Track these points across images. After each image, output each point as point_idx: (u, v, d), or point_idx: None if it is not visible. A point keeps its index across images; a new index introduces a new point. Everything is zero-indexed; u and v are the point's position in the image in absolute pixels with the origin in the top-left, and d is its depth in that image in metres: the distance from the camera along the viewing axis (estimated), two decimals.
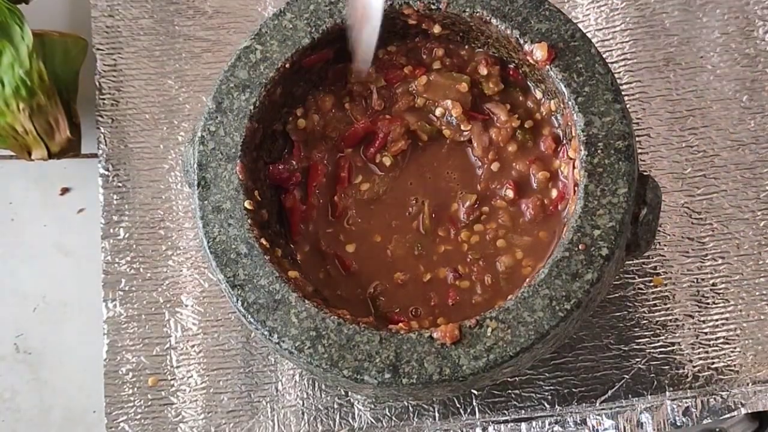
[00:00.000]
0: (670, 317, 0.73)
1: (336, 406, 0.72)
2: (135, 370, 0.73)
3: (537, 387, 0.71)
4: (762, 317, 0.72)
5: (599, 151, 0.61)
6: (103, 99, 0.77)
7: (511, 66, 0.67)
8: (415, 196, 0.66)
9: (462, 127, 0.66)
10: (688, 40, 0.77)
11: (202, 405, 0.72)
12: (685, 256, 0.74)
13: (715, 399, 0.71)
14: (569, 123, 0.63)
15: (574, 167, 0.63)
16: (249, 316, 0.60)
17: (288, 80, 0.65)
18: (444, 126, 0.66)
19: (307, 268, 0.65)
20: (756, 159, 0.75)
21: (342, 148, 0.67)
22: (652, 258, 0.73)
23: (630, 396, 0.71)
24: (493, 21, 0.64)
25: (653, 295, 0.73)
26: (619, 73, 0.76)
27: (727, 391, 0.71)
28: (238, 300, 0.60)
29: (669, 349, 0.72)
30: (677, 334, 0.72)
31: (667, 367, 0.72)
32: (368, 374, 0.58)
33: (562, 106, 0.64)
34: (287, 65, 0.64)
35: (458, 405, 0.71)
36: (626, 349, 0.72)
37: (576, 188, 0.62)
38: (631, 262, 0.73)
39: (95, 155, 0.77)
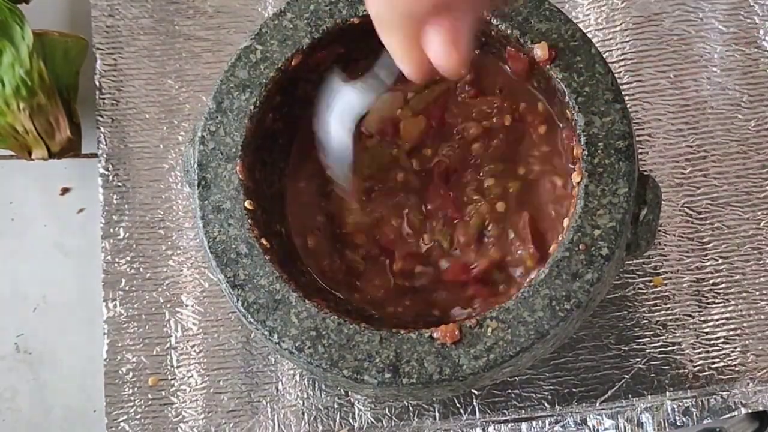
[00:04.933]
0: (670, 317, 0.72)
1: (336, 406, 0.72)
2: (135, 369, 0.73)
3: (537, 387, 0.71)
4: (762, 317, 0.72)
5: (599, 151, 0.61)
6: (103, 99, 0.77)
7: None
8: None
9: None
10: (688, 40, 0.77)
11: (202, 405, 0.72)
12: (685, 256, 0.74)
13: (715, 399, 0.71)
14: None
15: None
16: (249, 316, 0.60)
17: (289, 80, 0.65)
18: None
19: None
20: (756, 159, 0.75)
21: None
22: (652, 258, 0.73)
23: (630, 396, 0.71)
24: (493, 21, 0.64)
25: (653, 295, 0.73)
26: (619, 73, 0.76)
27: (727, 391, 0.71)
28: (238, 300, 0.60)
29: (669, 349, 0.72)
30: (677, 334, 0.72)
31: (667, 367, 0.72)
32: (368, 374, 0.58)
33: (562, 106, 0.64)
34: (293, 63, 0.64)
35: (458, 405, 0.71)
36: (626, 349, 0.72)
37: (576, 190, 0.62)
38: (631, 262, 0.73)
39: (95, 155, 0.77)
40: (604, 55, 0.64)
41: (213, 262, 0.61)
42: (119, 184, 0.76)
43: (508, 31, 0.64)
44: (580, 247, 0.60)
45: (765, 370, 0.72)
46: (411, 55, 0.49)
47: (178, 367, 0.73)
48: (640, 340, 0.72)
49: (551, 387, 0.71)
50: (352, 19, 0.64)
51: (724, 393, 0.71)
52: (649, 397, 0.71)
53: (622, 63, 0.77)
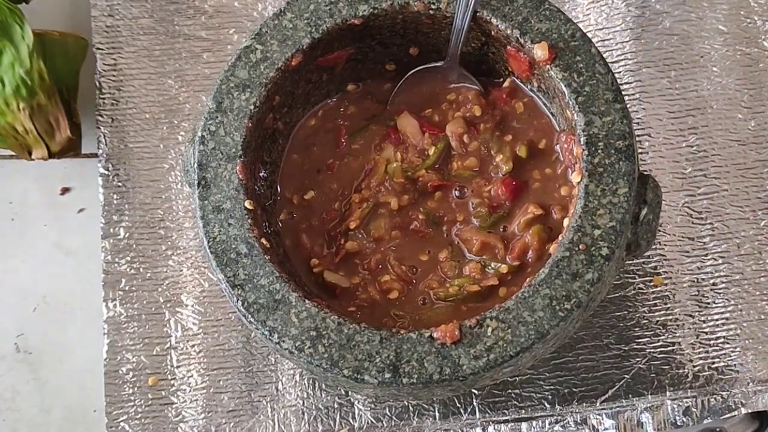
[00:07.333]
0: (670, 317, 0.73)
1: (336, 405, 0.72)
2: (135, 369, 0.73)
3: (537, 387, 0.71)
4: (762, 317, 0.72)
5: (600, 151, 0.61)
6: (103, 99, 0.77)
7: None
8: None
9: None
10: (688, 40, 0.77)
11: (202, 405, 0.72)
12: (685, 256, 0.74)
13: (715, 399, 0.71)
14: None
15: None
16: (249, 316, 0.60)
17: (290, 80, 0.65)
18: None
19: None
20: (756, 159, 0.75)
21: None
22: (652, 258, 0.73)
23: (630, 396, 0.71)
24: (494, 21, 0.64)
25: (653, 295, 0.73)
26: (619, 73, 0.76)
27: (727, 391, 0.71)
28: (238, 300, 0.60)
29: (669, 349, 0.72)
30: (677, 334, 0.72)
31: (667, 366, 0.72)
32: (368, 374, 0.58)
33: (562, 105, 0.64)
34: (293, 63, 0.64)
35: (458, 405, 0.71)
36: (626, 348, 0.72)
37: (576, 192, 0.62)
38: (631, 262, 0.73)
39: (95, 155, 0.77)
40: (604, 55, 0.64)
41: (213, 262, 0.61)
42: (119, 184, 0.76)
43: (508, 31, 0.64)
44: (581, 246, 0.60)
45: (765, 370, 0.72)
46: None
47: (178, 367, 0.73)
48: (640, 340, 0.72)
49: (551, 387, 0.71)
50: (352, 20, 0.64)
51: (724, 393, 0.71)
52: (649, 396, 0.71)
53: (622, 63, 0.77)
